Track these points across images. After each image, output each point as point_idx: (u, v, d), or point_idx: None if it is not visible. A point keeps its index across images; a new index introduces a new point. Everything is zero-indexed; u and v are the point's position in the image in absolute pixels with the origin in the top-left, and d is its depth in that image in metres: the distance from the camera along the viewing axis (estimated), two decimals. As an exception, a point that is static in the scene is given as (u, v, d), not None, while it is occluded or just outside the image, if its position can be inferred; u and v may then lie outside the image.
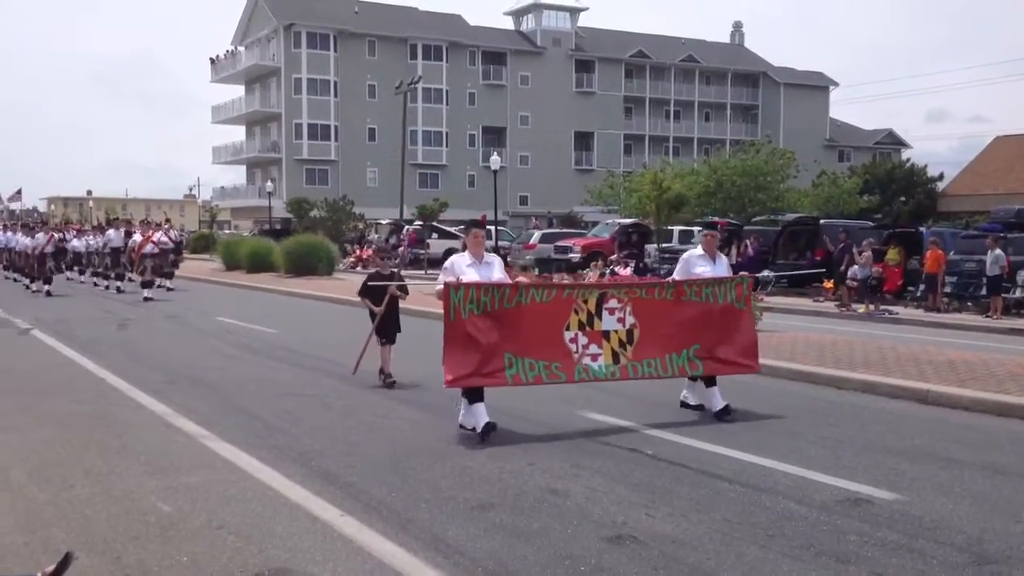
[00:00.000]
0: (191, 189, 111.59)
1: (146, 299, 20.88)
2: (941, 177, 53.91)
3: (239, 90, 72.13)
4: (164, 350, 12.97)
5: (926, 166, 53.92)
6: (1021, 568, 4.74)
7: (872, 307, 20.41)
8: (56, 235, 25.29)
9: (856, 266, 20.70)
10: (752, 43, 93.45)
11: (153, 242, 23.02)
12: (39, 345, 13.42)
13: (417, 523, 5.33)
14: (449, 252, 38.70)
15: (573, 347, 7.77)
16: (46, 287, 23.14)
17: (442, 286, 7.40)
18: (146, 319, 17.39)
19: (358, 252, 41.70)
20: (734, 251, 26.46)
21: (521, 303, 7.54)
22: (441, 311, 7.54)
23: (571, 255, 32.05)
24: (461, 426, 7.67)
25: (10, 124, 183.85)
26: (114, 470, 6.41)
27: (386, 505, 5.67)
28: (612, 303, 7.95)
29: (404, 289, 10.04)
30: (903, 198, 49.62)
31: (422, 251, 38.18)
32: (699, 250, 8.91)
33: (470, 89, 71.24)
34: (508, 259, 33.77)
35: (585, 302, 7.84)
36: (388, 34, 67.66)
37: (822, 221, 29.02)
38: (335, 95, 66.50)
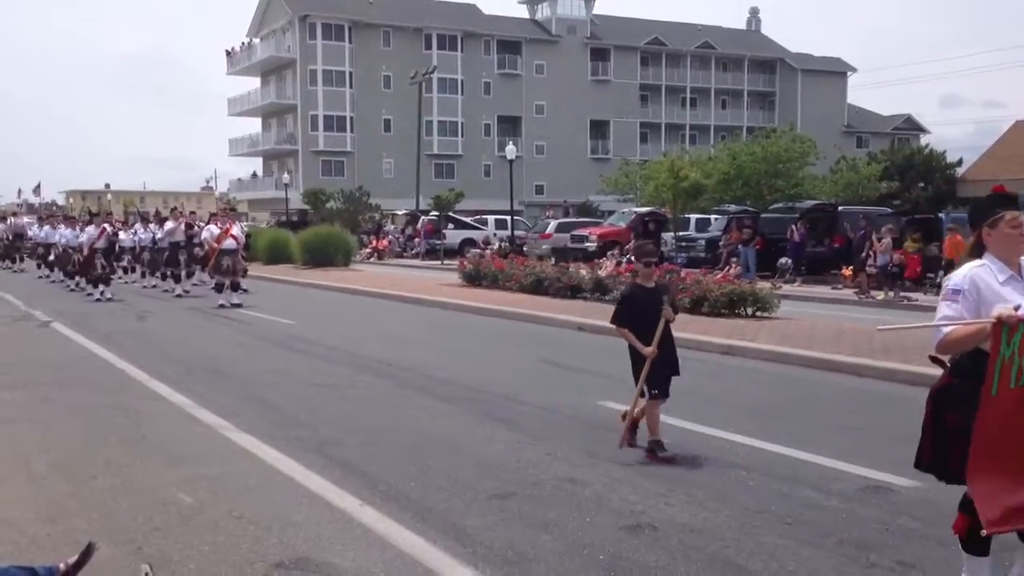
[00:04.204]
0: (208, 181, 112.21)
1: (221, 305, 17.61)
2: (960, 163, 53.32)
3: (255, 82, 72.36)
4: (184, 342, 13.05)
5: (944, 152, 53.34)
6: (1044, 556, 4.68)
7: (892, 294, 20.28)
8: (108, 228, 21.32)
9: (877, 253, 20.58)
10: (769, 29, 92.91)
11: (233, 236, 19.15)
12: (59, 337, 13.52)
13: (435, 512, 5.35)
14: (466, 243, 39.00)
15: None
16: (99, 290, 19.41)
17: (979, 322, 3.80)
18: (166, 311, 17.48)
19: (374, 243, 41.84)
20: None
21: None
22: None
23: (587, 244, 31.98)
24: None
25: (28, 119, 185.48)
26: (135, 461, 6.45)
27: (404, 495, 5.69)
28: None
29: (675, 308, 6.82)
30: (922, 184, 49.16)
31: (438, 242, 38.23)
32: None
33: (485, 79, 71.11)
34: (524, 249, 33.52)
35: None
36: (403, 24, 67.64)
37: (840, 208, 28.84)
38: (350, 86, 66.55)
